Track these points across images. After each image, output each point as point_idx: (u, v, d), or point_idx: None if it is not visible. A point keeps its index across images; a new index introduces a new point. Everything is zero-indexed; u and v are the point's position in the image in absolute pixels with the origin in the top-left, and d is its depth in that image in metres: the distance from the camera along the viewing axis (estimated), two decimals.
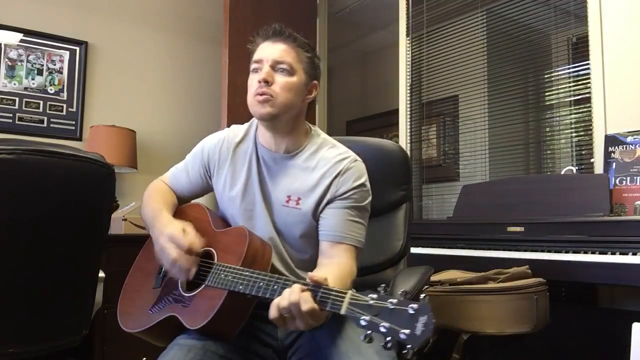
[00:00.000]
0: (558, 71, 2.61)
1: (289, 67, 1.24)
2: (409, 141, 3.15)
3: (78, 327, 1.45)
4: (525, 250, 1.88)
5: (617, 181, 2.00)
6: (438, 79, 3.08)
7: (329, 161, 1.26)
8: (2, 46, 2.81)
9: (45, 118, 2.92)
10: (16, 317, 1.30)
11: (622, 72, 2.17)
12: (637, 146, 2.01)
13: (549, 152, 2.70)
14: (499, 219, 2.05)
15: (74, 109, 3.00)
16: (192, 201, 1.44)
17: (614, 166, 2.03)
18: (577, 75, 2.43)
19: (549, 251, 1.81)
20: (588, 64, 2.30)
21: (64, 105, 2.98)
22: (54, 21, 2.97)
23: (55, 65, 2.96)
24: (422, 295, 0.82)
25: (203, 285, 1.13)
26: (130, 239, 2.63)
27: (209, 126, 3.37)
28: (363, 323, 0.84)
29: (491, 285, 1.66)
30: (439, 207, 3.08)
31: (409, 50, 3.18)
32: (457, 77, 2.98)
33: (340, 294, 0.90)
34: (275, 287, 1.00)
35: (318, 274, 0.97)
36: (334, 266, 1.16)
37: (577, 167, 2.39)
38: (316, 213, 1.24)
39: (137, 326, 1.19)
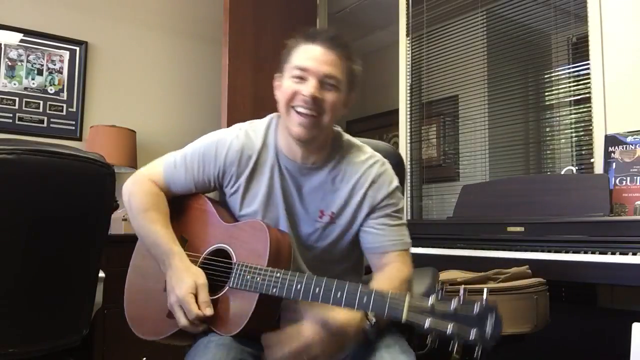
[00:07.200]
0: (558, 71, 2.61)
1: (337, 83, 1.13)
2: (409, 141, 3.15)
3: (78, 327, 1.45)
4: (525, 250, 1.88)
5: (617, 181, 2.00)
6: (438, 79, 3.08)
7: (358, 169, 1.20)
8: (2, 46, 2.81)
9: (45, 118, 2.92)
10: (16, 317, 1.30)
11: (622, 72, 2.17)
12: (637, 146, 2.01)
13: (549, 152, 2.70)
14: (499, 219, 2.05)
15: (74, 109, 3.00)
16: None
17: (614, 166, 2.03)
18: (577, 75, 2.43)
19: (549, 251, 1.81)
20: (588, 64, 2.30)
21: (64, 105, 2.98)
22: (54, 21, 2.97)
23: (55, 65, 2.96)
24: (484, 296, 0.83)
25: (226, 288, 1.09)
26: (130, 239, 2.62)
27: (209, 126, 3.36)
28: (427, 326, 0.83)
29: (491, 285, 1.66)
30: (439, 207, 3.08)
31: (409, 50, 3.18)
32: (457, 77, 2.98)
33: (398, 301, 0.88)
34: (317, 290, 0.98)
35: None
36: (386, 278, 1.14)
37: (577, 167, 2.39)
38: (353, 226, 1.20)
39: (155, 334, 1.15)
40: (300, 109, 1.11)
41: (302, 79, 1.12)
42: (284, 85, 1.15)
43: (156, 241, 1.15)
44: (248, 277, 1.05)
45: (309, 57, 1.11)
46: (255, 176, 1.20)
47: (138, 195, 1.22)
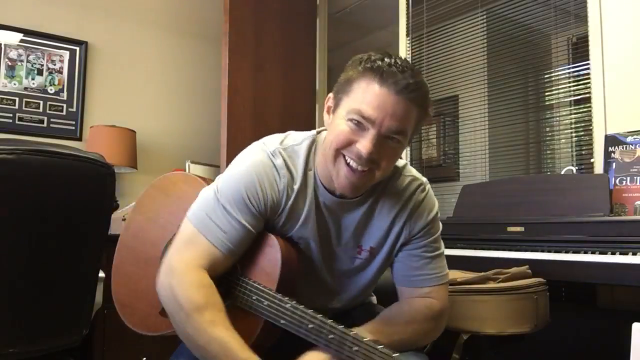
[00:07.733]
0: (558, 71, 2.61)
1: (402, 137, 0.97)
2: None
3: (78, 327, 1.45)
4: (525, 250, 1.88)
5: (617, 181, 2.00)
6: (438, 79, 3.08)
7: (399, 199, 1.09)
8: (2, 46, 2.81)
9: (45, 118, 2.92)
10: (16, 317, 1.30)
11: (622, 72, 2.17)
12: (637, 146, 2.01)
13: (549, 152, 2.70)
14: (499, 219, 2.05)
15: (74, 109, 3.00)
16: (182, 173, 1.27)
17: (614, 166, 2.03)
18: (577, 75, 2.43)
19: (549, 251, 1.81)
20: (588, 64, 2.30)
21: (64, 105, 2.98)
22: (54, 21, 2.97)
23: (55, 65, 2.96)
24: None
25: (228, 301, 1.01)
26: None
27: (209, 126, 3.38)
28: None
29: (491, 285, 1.66)
30: (439, 207, 3.07)
31: (409, 50, 3.18)
32: (457, 77, 2.98)
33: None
34: (331, 336, 0.92)
35: None
36: (408, 318, 1.09)
37: (577, 167, 2.39)
38: (390, 259, 1.13)
39: (147, 328, 1.11)
40: (351, 162, 0.96)
41: (361, 125, 0.95)
42: (337, 126, 0.98)
43: (225, 350, 0.94)
44: (254, 298, 0.98)
45: (376, 105, 0.93)
46: (293, 210, 1.06)
47: (184, 288, 0.97)
